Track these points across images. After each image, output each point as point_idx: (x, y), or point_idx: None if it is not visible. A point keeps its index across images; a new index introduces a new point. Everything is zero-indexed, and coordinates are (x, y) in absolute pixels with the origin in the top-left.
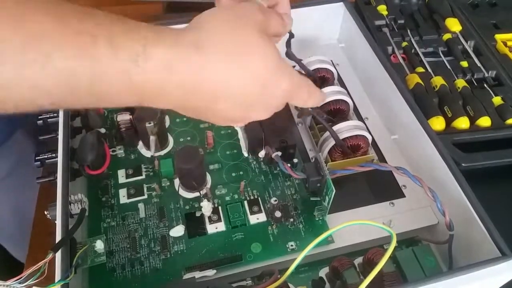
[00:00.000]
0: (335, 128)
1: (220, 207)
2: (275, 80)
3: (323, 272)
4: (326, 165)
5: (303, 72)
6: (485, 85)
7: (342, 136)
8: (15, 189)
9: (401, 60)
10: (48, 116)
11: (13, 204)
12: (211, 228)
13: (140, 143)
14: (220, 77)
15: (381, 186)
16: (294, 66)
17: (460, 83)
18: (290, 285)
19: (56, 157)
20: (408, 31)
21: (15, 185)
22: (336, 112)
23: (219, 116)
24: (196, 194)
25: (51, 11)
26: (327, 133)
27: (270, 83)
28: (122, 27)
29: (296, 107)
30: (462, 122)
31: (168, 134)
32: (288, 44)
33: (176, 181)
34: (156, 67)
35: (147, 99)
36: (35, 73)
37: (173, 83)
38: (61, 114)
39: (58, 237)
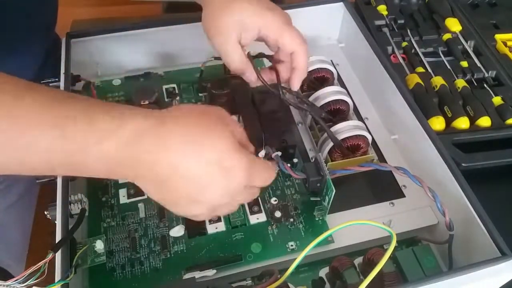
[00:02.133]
0: (335, 128)
1: None
2: (233, 162)
3: (323, 272)
4: (326, 165)
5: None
6: (485, 85)
7: (341, 136)
8: (25, 212)
9: (401, 60)
10: None
11: (23, 227)
12: (211, 228)
13: None
14: (176, 151)
15: (381, 186)
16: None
17: (460, 83)
18: (290, 285)
19: None
20: (408, 31)
21: (26, 208)
22: (336, 112)
23: (178, 194)
24: None
25: (40, 103)
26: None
27: (227, 164)
28: (100, 107)
29: (282, 90)
30: (462, 122)
31: None
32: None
33: None
34: (128, 137)
35: (117, 170)
36: (23, 155)
37: (139, 154)
38: None
39: (58, 237)
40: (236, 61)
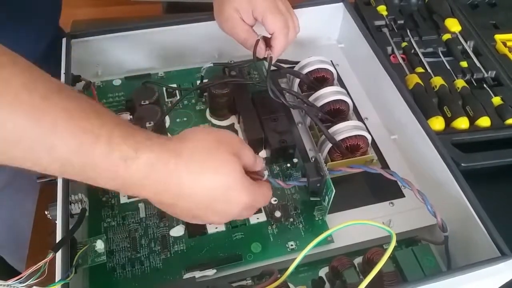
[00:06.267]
0: (335, 128)
1: None
2: (236, 193)
3: (323, 272)
4: (325, 165)
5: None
6: (484, 85)
7: (341, 136)
8: (12, 202)
9: (401, 60)
10: None
11: (9, 217)
12: (211, 228)
13: None
14: (188, 181)
15: (381, 186)
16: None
17: (460, 83)
18: (290, 284)
19: None
20: (408, 31)
21: (12, 198)
22: (335, 112)
23: (181, 213)
24: None
25: (66, 109)
26: None
27: (230, 195)
28: (121, 131)
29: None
30: (462, 122)
31: (169, 134)
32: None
33: None
34: (141, 166)
35: (126, 190)
36: (39, 157)
37: (150, 180)
38: None
39: (59, 237)
40: (242, 38)
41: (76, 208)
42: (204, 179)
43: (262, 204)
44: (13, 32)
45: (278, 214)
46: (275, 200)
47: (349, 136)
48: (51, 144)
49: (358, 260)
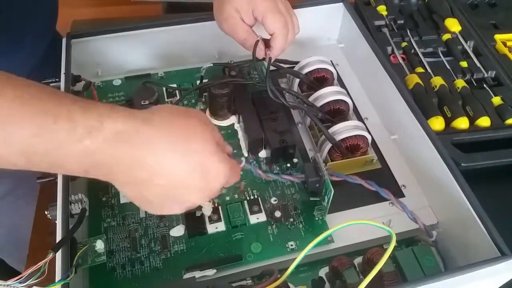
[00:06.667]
0: (335, 128)
1: (220, 207)
2: (214, 163)
3: (323, 272)
4: (325, 165)
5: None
6: (484, 85)
7: (341, 136)
8: (13, 209)
9: (401, 60)
10: None
11: (10, 223)
12: (211, 228)
13: None
14: (162, 151)
15: (381, 186)
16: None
17: (460, 83)
18: (290, 284)
19: None
20: (408, 31)
21: (13, 205)
22: (335, 112)
23: (155, 194)
24: None
25: (19, 97)
26: None
27: (209, 168)
28: (81, 107)
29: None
30: (462, 122)
31: None
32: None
33: None
34: (108, 135)
35: (96, 170)
36: (1, 150)
37: (120, 152)
38: None
39: (59, 237)
40: (242, 38)
41: (76, 208)
42: (179, 147)
43: (234, 181)
44: (10, 40)
45: (278, 214)
46: (275, 200)
47: (349, 136)
48: (7, 134)
49: (358, 260)
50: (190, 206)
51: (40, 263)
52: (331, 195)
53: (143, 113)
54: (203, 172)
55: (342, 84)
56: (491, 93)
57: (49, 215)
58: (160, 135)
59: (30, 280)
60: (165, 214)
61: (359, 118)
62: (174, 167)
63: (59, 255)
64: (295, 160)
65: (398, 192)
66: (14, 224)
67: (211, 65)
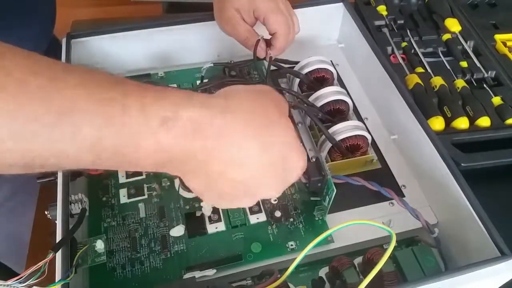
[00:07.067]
0: (335, 128)
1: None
2: (294, 157)
3: (323, 272)
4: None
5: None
6: (484, 85)
7: (341, 136)
8: (12, 215)
9: (401, 60)
10: None
11: (9, 230)
12: (211, 228)
13: None
14: (239, 144)
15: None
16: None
17: (460, 83)
18: (290, 284)
19: None
20: (408, 31)
21: (13, 211)
22: (335, 112)
23: (228, 187)
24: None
25: (81, 85)
26: None
27: (289, 159)
28: (153, 96)
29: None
30: (462, 122)
31: None
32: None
33: (177, 181)
34: (184, 129)
35: (170, 163)
36: (64, 144)
37: (196, 146)
38: None
39: (59, 237)
40: (243, 37)
41: (76, 208)
42: (258, 139)
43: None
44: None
45: (278, 214)
46: (275, 200)
47: (349, 136)
48: (73, 128)
49: (358, 260)
50: (262, 199)
51: (40, 263)
52: (333, 195)
53: (218, 99)
54: (282, 166)
55: (342, 84)
56: (491, 93)
57: (49, 215)
58: (238, 127)
59: (30, 280)
60: (234, 207)
61: (359, 118)
62: (252, 161)
63: (59, 255)
64: None
65: (398, 192)
66: (13, 231)
67: (211, 65)
